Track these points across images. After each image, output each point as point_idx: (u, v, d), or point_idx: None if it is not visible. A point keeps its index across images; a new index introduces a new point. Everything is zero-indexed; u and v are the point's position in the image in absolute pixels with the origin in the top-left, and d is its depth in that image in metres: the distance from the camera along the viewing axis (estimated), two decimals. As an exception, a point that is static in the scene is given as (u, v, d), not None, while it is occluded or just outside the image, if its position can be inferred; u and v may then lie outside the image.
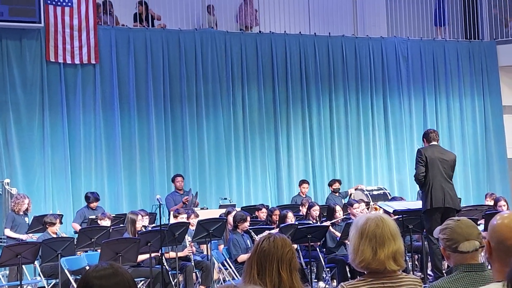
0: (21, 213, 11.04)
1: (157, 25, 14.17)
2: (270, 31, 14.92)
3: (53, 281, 9.83)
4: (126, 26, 13.78)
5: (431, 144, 9.03)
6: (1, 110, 12.54)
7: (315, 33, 15.26)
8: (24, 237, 10.63)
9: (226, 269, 9.86)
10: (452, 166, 8.96)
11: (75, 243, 9.54)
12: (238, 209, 11.53)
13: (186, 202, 12.08)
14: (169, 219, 11.67)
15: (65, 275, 9.08)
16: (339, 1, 15.88)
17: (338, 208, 10.99)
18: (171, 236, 9.24)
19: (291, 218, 10.51)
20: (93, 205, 11.85)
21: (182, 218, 10.46)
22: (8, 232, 10.84)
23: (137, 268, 9.23)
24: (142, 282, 9.45)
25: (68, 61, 12.86)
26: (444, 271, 8.84)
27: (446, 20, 16.57)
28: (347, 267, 9.75)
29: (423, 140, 9.26)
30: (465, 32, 16.95)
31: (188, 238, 9.92)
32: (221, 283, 10.07)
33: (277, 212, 11.10)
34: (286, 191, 14.57)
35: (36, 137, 12.71)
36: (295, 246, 9.24)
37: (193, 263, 9.88)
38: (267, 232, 8.23)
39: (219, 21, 14.79)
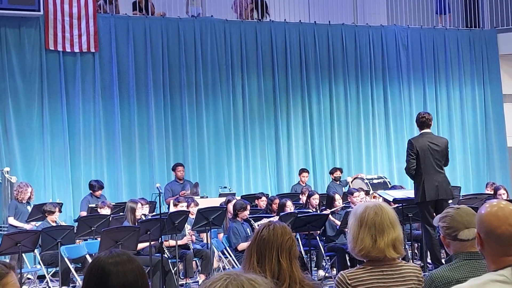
0: (24, 201, 11.07)
1: (156, 13, 14.13)
2: (269, 20, 14.88)
3: (53, 269, 9.86)
4: (126, 14, 13.73)
5: (422, 132, 8.88)
6: (0, 98, 12.52)
7: (315, 22, 15.22)
8: (28, 226, 10.62)
9: (226, 257, 9.88)
10: (445, 153, 8.83)
11: (75, 231, 9.56)
12: (238, 197, 11.53)
13: (183, 196, 12.00)
14: (168, 208, 11.66)
15: (65, 263, 9.10)
16: (339, -11, 15.83)
17: (337, 196, 10.99)
18: (170, 224, 9.24)
19: (290, 207, 10.52)
20: (98, 193, 11.85)
21: (182, 206, 10.46)
22: (12, 220, 10.86)
23: (137, 256, 9.22)
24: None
25: (68, 49, 12.83)
26: (443, 260, 8.85)
27: (447, 8, 16.52)
28: (346, 255, 9.76)
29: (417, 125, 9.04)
30: (466, 20, 16.91)
31: (187, 227, 9.93)
32: (221, 271, 10.08)
33: (277, 201, 11.10)
34: (286, 179, 14.56)
35: (35, 125, 12.68)
36: (295, 234, 9.25)
37: (192, 252, 9.90)
38: (266, 220, 8.23)
39: (218, 9, 14.72)
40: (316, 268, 10.61)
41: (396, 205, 9.81)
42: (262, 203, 11.65)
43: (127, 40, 13.46)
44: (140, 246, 9.16)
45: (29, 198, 11.18)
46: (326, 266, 10.53)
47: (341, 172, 14.09)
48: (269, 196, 12.15)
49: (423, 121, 8.90)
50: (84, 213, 11.60)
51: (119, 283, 2.39)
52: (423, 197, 8.63)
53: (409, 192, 10.65)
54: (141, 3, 13.99)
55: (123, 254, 2.47)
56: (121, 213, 10.65)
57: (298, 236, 9.88)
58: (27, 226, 10.61)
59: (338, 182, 13.84)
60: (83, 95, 13.04)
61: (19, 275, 8.96)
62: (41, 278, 10.32)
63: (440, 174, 8.75)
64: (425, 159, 8.65)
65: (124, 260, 2.44)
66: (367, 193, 12.52)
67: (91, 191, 11.91)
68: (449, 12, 16.61)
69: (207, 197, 12.69)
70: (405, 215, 9.62)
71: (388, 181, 14.02)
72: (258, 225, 8.49)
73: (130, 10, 13.98)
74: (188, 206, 10.60)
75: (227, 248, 9.79)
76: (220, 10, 14.71)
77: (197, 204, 10.87)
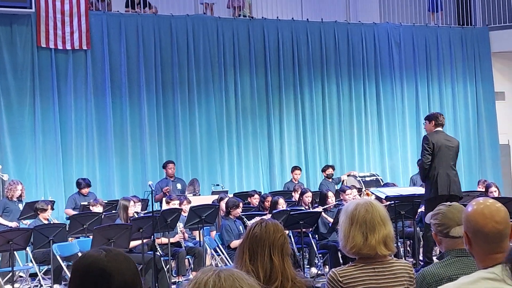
0: (14, 199, 11.01)
1: (149, 11, 14.10)
2: (262, 17, 14.87)
3: (45, 267, 9.83)
4: (118, 11, 13.70)
5: (436, 130, 8.92)
6: (-9, 96, 12.48)
7: (307, 19, 15.22)
8: (13, 224, 10.57)
9: (219, 255, 9.88)
10: (457, 152, 8.90)
11: (67, 229, 9.53)
12: (231, 195, 11.53)
13: (167, 193, 11.99)
14: (160, 206, 11.65)
15: (57, 261, 9.09)
16: (332, -14, 15.83)
17: (330, 194, 11.00)
18: (163, 222, 9.23)
19: (282, 204, 10.52)
20: (85, 191, 11.82)
21: (174, 204, 10.45)
22: None
23: (129, 254, 9.20)
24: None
25: (60, 46, 12.79)
26: (435, 257, 8.86)
27: (439, 6, 16.55)
28: (339, 253, 9.77)
29: (429, 122, 8.92)
30: (458, 18, 16.94)
31: (180, 225, 9.92)
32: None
33: (269, 198, 11.11)
34: (278, 177, 14.57)
35: (27, 122, 12.64)
36: (287, 232, 9.25)
37: (185, 249, 9.89)
38: (259, 217, 8.23)
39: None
40: (308, 266, 10.61)
41: (389, 202, 9.82)
42: (255, 200, 11.64)
43: (119, 37, 13.43)
44: (133, 244, 9.14)
45: (20, 196, 11.12)
46: (319, 263, 10.54)
47: (333, 169, 14.10)
48: (262, 193, 12.14)
49: (437, 117, 8.98)
50: (69, 210, 11.58)
51: (120, 283, 2.37)
52: (435, 192, 8.60)
53: (401, 189, 10.67)
54: None
55: (119, 253, 2.45)
56: (113, 211, 10.63)
57: (290, 234, 9.88)
58: (12, 224, 10.54)
59: (330, 180, 13.85)
60: (75, 92, 13.01)
61: (10, 273, 8.95)
62: (33, 276, 10.30)
63: (453, 170, 8.79)
64: (440, 154, 8.68)
65: (122, 260, 2.42)
66: (359, 190, 12.53)
67: (78, 189, 11.89)
68: (441, 9, 16.64)
69: (199, 194, 12.68)
70: (397, 213, 9.63)
71: (381, 179, 14.04)
72: (250, 222, 8.50)
73: (122, 7, 13.94)
74: (180, 204, 10.59)
75: (220, 245, 9.79)
76: (213, 7, 14.69)
77: (189, 202, 10.86)
